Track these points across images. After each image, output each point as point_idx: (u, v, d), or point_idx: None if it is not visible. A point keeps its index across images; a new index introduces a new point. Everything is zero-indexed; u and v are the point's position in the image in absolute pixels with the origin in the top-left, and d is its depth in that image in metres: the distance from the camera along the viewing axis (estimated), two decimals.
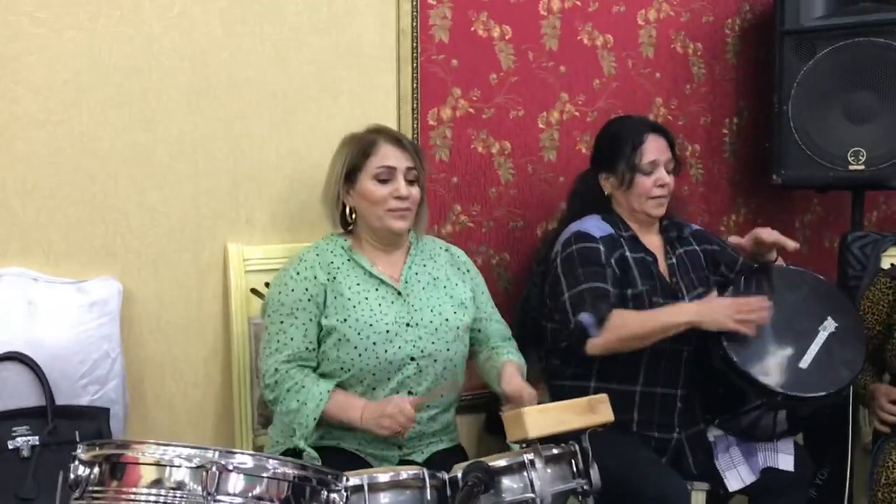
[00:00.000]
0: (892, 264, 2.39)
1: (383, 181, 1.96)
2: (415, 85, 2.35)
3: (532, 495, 1.51)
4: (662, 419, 2.15)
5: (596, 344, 2.06)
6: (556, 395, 2.17)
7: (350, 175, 1.98)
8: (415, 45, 2.34)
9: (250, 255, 2.15)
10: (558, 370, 2.21)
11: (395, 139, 2.02)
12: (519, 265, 2.58)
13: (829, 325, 2.05)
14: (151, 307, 2.08)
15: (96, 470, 1.21)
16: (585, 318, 2.06)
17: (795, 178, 2.77)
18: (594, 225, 2.20)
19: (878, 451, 2.15)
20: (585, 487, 1.59)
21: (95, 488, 1.21)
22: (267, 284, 2.17)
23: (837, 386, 1.99)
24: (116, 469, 1.21)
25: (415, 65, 2.34)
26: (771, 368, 2.00)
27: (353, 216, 2.02)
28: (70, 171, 1.98)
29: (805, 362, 2.00)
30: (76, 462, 1.21)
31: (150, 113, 2.04)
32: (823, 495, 2.65)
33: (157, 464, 1.20)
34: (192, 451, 1.19)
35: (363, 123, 2.14)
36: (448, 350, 1.98)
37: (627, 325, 2.05)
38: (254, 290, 2.16)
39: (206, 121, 2.11)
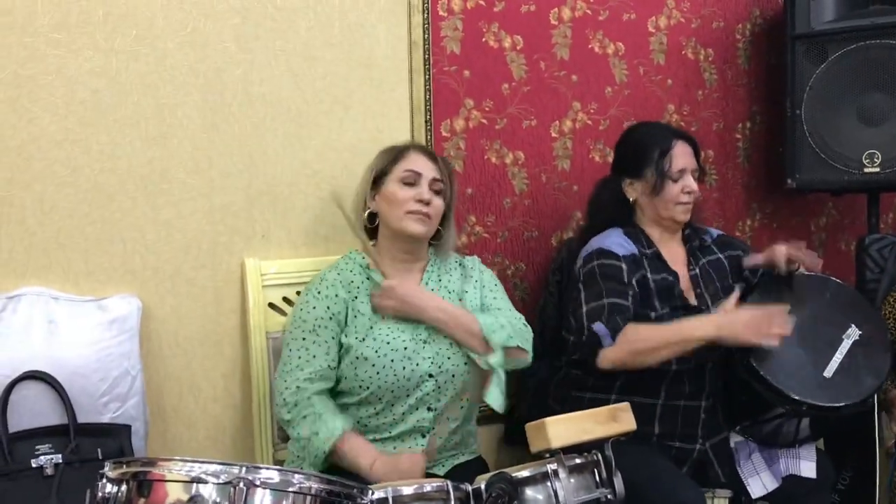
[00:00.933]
0: None
1: (409, 184, 1.97)
2: (427, 97, 2.36)
3: None
4: (685, 430, 2.13)
5: (607, 356, 2.03)
6: (576, 406, 2.13)
7: (377, 180, 2.01)
8: (427, 56, 2.35)
9: (267, 270, 2.16)
10: (579, 381, 2.20)
11: (427, 151, 2.07)
12: (535, 275, 2.58)
13: (853, 333, 2.03)
14: (170, 323, 2.09)
15: (123, 487, 1.21)
16: (599, 328, 2.04)
17: (810, 182, 2.76)
18: (617, 242, 2.18)
19: None
20: (609, 497, 1.58)
21: None
22: (285, 299, 2.18)
23: (863, 395, 1.97)
24: (143, 486, 1.21)
25: (427, 76, 2.35)
26: (795, 378, 1.98)
27: (376, 222, 2.03)
28: (88, 190, 1.99)
29: (829, 371, 1.99)
30: (103, 480, 1.21)
31: (165, 129, 2.06)
32: (846, 500, 2.63)
33: (184, 480, 1.20)
34: (219, 468, 1.19)
35: (376, 136, 2.15)
36: (466, 364, 1.97)
37: (641, 338, 2.01)
38: (272, 305, 2.17)
39: (220, 136, 2.12)
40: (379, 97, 2.31)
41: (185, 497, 1.19)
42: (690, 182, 2.18)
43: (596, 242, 2.20)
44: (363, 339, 1.91)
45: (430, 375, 1.93)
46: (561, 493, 1.51)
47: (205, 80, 2.10)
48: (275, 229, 2.20)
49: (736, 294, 2.05)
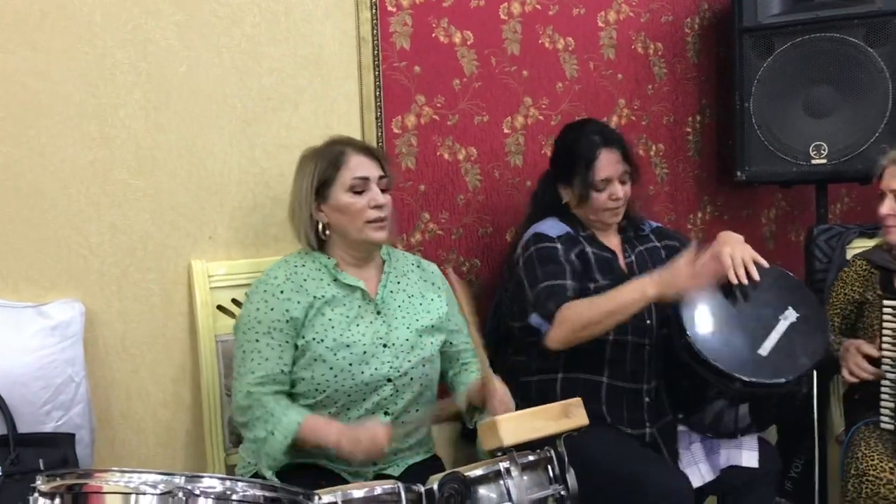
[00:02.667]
0: (873, 248, 2.41)
1: (358, 192, 1.92)
2: (378, 93, 2.33)
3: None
4: (632, 415, 2.16)
5: (553, 338, 2.05)
6: (524, 391, 2.15)
7: (320, 190, 1.93)
8: (376, 52, 2.32)
9: (215, 272, 2.12)
10: (524, 366, 2.21)
11: (364, 148, 1.99)
12: (490, 271, 2.57)
13: (791, 315, 2.06)
14: (116, 328, 2.04)
15: (57, 501, 1.18)
16: (534, 319, 2.08)
17: (759, 174, 2.80)
18: (551, 225, 2.22)
19: (848, 442, 2.17)
20: (562, 493, 1.58)
21: None
22: (234, 301, 2.14)
23: (796, 373, 1.99)
24: (79, 499, 1.17)
25: (377, 73, 2.32)
26: (730, 355, 2.00)
27: (326, 233, 1.96)
28: (28, 193, 1.93)
29: (765, 350, 2.01)
30: (35, 494, 1.17)
31: (107, 130, 2.00)
32: (799, 487, 2.68)
33: (122, 492, 1.16)
34: (158, 478, 1.15)
35: (326, 134, 2.11)
36: (424, 367, 1.95)
37: (579, 314, 2.03)
38: (220, 307, 2.13)
39: (165, 136, 2.07)
40: (328, 94, 2.28)
41: None
42: (616, 190, 2.20)
43: (532, 229, 2.23)
44: (322, 341, 1.87)
45: (389, 380, 1.90)
46: (514, 491, 1.51)
47: (147, 78, 2.05)
48: (223, 230, 2.16)
49: (692, 249, 2.03)
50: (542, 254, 2.15)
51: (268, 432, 1.81)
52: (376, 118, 2.33)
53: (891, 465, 2.02)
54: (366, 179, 1.92)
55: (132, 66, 2.03)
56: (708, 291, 2.04)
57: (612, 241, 2.28)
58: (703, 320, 2.04)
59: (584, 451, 1.68)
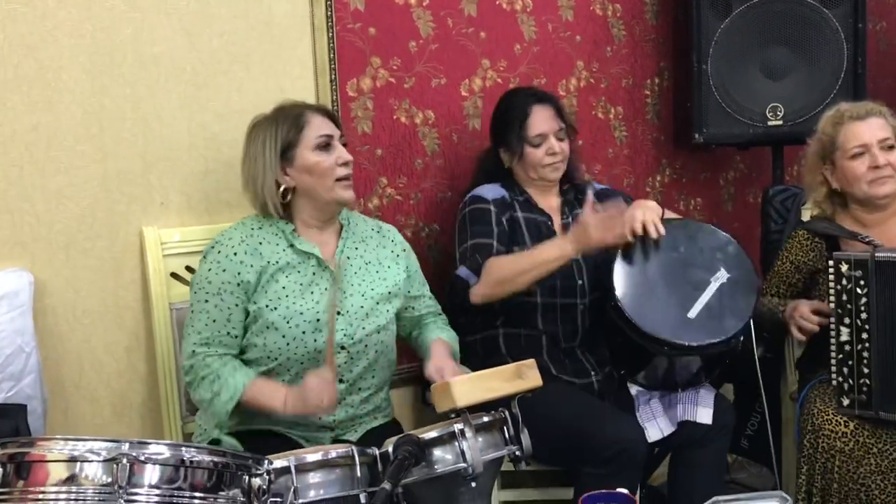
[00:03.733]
0: (811, 217, 2.43)
1: (323, 149, 1.90)
2: (332, 55, 2.29)
3: (464, 465, 1.51)
4: (574, 365, 2.22)
5: (476, 292, 2.11)
6: (470, 350, 2.20)
7: (285, 153, 1.89)
8: (329, 13, 2.27)
9: (168, 239, 2.08)
10: (466, 327, 2.24)
11: (320, 109, 1.98)
12: (448, 236, 2.54)
13: (722, 276, 2.08)
14: (66, 297, 2.00)
15: (0, 471, 1.15)
16: (462, 271, 2.16)
17: (717, 136, 2.81)
18: (489, 189, 2.28)
19: (804, 399, 2.21)
20: (517, 453, 1.59)
21: (0, 490, 1.15)
22: (188, 268, 2.11)
23: (724, 335, 2.03)
24: (22, 468, 1.15)
25: (330, 34, 2.28)
26: (659, 318, 2.03)
27: (288, 197, 1.92)
28: None
29: (693, 312, 2.04)
30: None
31: (50, 93, 1.94)
32: (755, 444, 2.73)
33: (65, 460, 1.14)
34: (102, 445, 1.13)
35: (279, 98, 2.07)
36: (378, 334, 1.95)
37: (501, 268, 2.10)
38: (174, 275, 2.09)
39: (111, 100, 2.01)
40: (280, 55, 2.23)
41: (66, 476, 1.14)
42: (553, 144, 2.25)
43: (471, 192, 2.29)
44: (275, 308, 1.85)
45: (342, 347, 1.89)
46: (468, 453, 1.52)
47: (92, 40, 1.98)
48: (174, 196, 2.11)
49: (589, 199, 2.07)
50: (474, 214, 2.22)
51: (213, 393, 1.80)
52: (331, 81, 2.29)
53: (845, 419, 2.06)
54: (330, 136, 1.91)
55: (74, 27, 1.96)
56: (639, 254, 2.08)
57: (552, 202, 2.33)
58: (632, 283, 2.07)
59: (537, 409, 1.70)
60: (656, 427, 2.13)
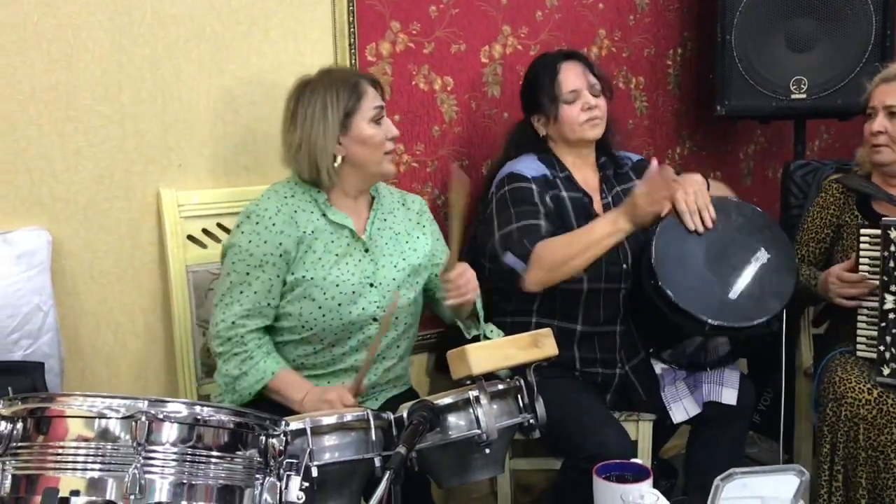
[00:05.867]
0: (848, 174, 2.39)
1: (376, 122, 1.90)
2: (351, 19, 2.26)
3: (478, 431, 1.51)
4: (604, 356, 2.17)
5: (530, 279, 2.02)
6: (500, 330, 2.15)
7: (343, 121, 1.87)
8: None
9: (185, 201, 2.08)
10: (499, 308, 2.21)
11: (371, 79, 1.96)
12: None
13: (762, 256, 2.05)
14: (83, 257, 2.00)
15: (20, 425, 1.16)
16: (509, 259, 2.04)
17: (738, 109, 2.77)
18: (528, 165, 2.17)
19: (822, 370, 2.19)
20: (531, 422, 1.60)
21: (20, 444, 1.16)
22: (205, 231, 2.12)
23: (765, 315, 1.99)
24: (42, 423, 1.16)
25: None
26: (700, 299, 1.98)
27: (336, 166, 1.88)
28: None
29: (735, 293, 2.01)
30: None
31: (69, 52, 1.93)
32: (767, 419, 2.73)
33: (85, 416, 1.15)
34: (121, 402, 1.14)
35: (297, 61, 2.06)
36: (409, 306, 1.96)
37: (553, 252, 2.00)
38: (191, 237, 2.10)
39: (130, 60, 2.00)
40: (300, 19, 2.21)
41: (86, 433, 1.15)
42: (588, 98, 2.17)
43: (507, 168, 2.19)
44: (311, 279, 1.85)
45: (375, 319, 1.90)
46: (483, 419, 1.52)
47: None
48: (192, 158, 2.11)
49: (654, 167, 2.00)
50: (515, 195, 2.11)
51: (242, 372, 1.82)
52: (349, 45, 2.27)
53: (868, 386, 2.04)
54: (382, 108, 1.91)
55: None
56: (679, 232, 2.03)
57: (591, 180, 2.25)
58: (673, 263, 2.02)
59: (544, 394, 1.65)
60: (682, 408, 2.13)
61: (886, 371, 2.03)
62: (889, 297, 2.04)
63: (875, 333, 2.08)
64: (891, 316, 2.04)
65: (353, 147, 1.89)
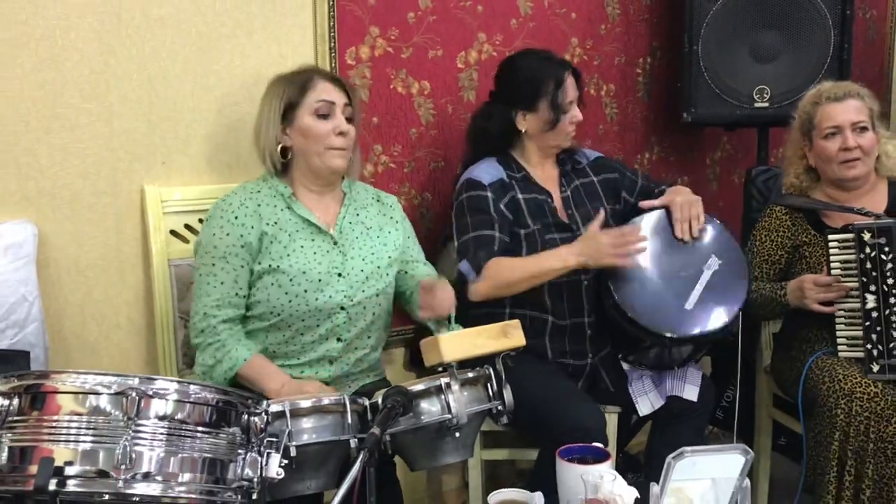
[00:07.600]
0: (781, 193, 2.49)
1: (323, 116, 1.97)
2: (331, 23, 2.34)
3: (449, 416, 1.59)
4: (574, 347, 2.24)
5: (476, 291, 2.12)
6: (473, 323, 2.20)
7: (286, 113, 1.98)
8: None
9: (168, 197, 2.14)
10: (471, 303, 2.28)
11: (331, 77, 2.05)
12: (441, 205, 2.63)
13: (713, 264, 2.13)
14: (69, 250, 2.06)
15: (16, 401, 1.23)
16: (464, 266, 2.14)
17: (704, 117, 2.88)
18: (485, 170, 2.24)
19: (807, 375, 2.22)
20: (500, 408, 1.67)
21: (16, 418, 1.22)
22: (187, 226, 2.18)
23: (721, 322, 2.08)
24: (37, 399, 1.22)
25: (331, 2, 2.33)
26: (657, 312, 2.08)
27: (289, 156, 2.01)
28: None
29: (690, 303, 2.09)
30: None
31: (57, 51, 1.99)
32: (730, 416, 2.82)
33: (78, 392, 1.22)
34: (112, 379, 1.21)
35: (280, 63, 2.13)
36: (377, 296, 2.03)
37: (502, 272, 2.11)
38: (174, 232, 2.16)
39: (118, 60, 2.07)
40: (282, 23, 2.29)
41: (78, 408, 1.21)
42: (577, 112, 2.27)
43: (466, 173, 2.27)
44: (278, 267, 1.93)
45: (342, 308, 1.97)
46: (454, 405, 1.59)
47: (100, 0, 2.03)
48: (176, 156, 2.17)
49: (600, 218, 2.11)
50: (472, 203, 2.20)
51: (216, 360, 1.89)
52: (330, 49, 2.35)
53: (868, 380, 2.08)
54: (331, 104, 1.97)
55: None
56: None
57: (550, 175, 2.32)
58: (628, 280, 2.11)
59: (516, 381, 1.73)
60: (647, 402, 2.21)
61: (876, 367, 2.11)
62: (870, 297, 2.14)
63: (857, 333, 2.16)
64: (874, 315, 2.13)
65: (296, 138, 1.99)
